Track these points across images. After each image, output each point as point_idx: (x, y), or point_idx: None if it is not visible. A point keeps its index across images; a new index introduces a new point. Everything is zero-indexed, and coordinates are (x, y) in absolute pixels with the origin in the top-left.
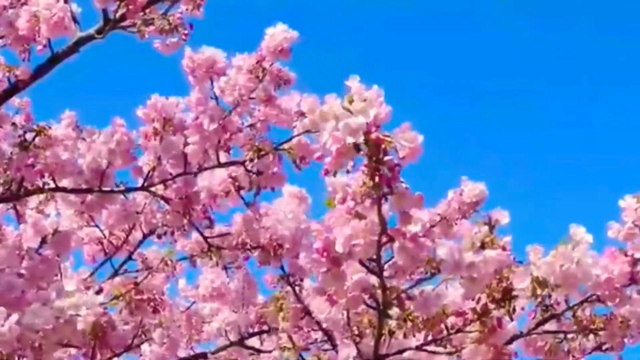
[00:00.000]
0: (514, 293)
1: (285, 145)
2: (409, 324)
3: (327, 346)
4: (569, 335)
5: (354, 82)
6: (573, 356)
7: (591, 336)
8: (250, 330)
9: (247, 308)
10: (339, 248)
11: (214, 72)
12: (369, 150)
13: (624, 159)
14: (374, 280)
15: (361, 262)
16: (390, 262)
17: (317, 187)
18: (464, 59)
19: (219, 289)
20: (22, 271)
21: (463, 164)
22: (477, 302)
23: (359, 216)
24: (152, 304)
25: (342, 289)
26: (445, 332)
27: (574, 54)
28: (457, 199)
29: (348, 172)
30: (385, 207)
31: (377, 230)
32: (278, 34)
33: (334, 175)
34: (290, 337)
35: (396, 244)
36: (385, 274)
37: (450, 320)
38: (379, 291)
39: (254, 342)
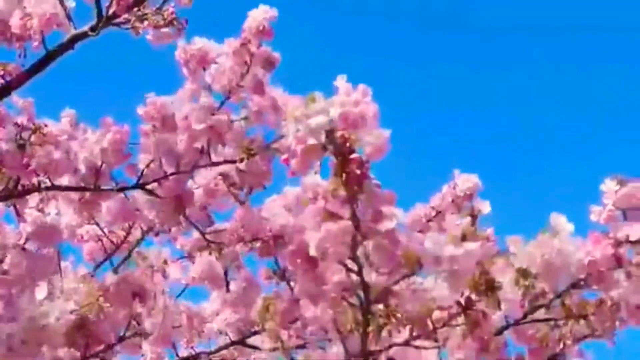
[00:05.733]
0: (497, 284)
1: (276, 144)
2: (393, 320)
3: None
4: (560, 322)
5: (341, 82)
6: (565, 343)
7: (582, 322)
8: (252, 329)
9: (248, 309)
10: (312, 252)
11: (206, 62)
12: (334, 148)
13: (608, 141)
14: (355, 278)
15: (340, 262)
16: (369, 261)
17: None
18: (457, 56)
19: (210, 272)
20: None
21: (450, 155)
22: (462, 295)
23: (332, 215)
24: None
25: (322, 291)
26: (430, 326)
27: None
28: (450, 192)
29: (316, 172)
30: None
31: (350, 232)
32: (258, 14)
33: (304, 175)
34: (278, 337)
35: (371, 242)
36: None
37: (435, 314)
38: (360, 290)
39: (255, 340)
